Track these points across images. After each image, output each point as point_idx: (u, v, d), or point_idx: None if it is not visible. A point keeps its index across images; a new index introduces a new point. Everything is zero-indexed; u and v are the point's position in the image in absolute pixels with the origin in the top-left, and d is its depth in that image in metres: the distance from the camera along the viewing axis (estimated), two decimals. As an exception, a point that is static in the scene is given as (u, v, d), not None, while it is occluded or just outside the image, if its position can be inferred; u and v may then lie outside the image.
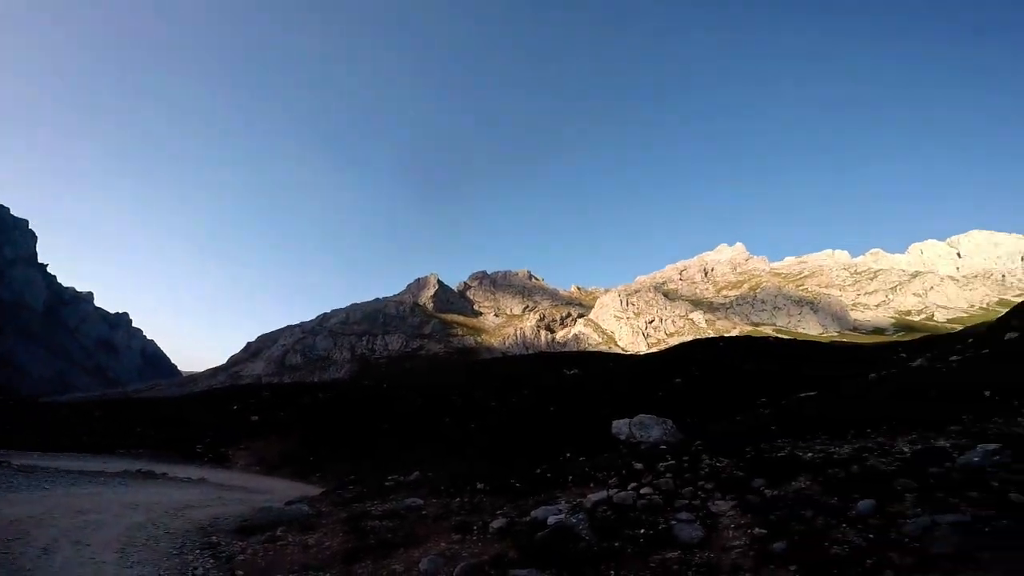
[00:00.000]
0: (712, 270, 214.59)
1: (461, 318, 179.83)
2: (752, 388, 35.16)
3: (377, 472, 16.44)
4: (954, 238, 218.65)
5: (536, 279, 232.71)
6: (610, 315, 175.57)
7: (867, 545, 5.18)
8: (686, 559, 5.46)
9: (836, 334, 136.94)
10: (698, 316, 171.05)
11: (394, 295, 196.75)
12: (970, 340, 39.48)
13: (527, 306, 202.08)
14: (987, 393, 10.02)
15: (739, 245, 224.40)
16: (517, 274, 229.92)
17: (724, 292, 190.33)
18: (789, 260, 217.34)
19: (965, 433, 7.82)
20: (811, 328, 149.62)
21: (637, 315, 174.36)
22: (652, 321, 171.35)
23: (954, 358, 28.78)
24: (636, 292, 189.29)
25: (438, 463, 15.53)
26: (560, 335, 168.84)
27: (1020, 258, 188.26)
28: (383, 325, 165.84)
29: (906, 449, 7.37)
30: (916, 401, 10.25)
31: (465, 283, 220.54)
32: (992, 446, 6.75)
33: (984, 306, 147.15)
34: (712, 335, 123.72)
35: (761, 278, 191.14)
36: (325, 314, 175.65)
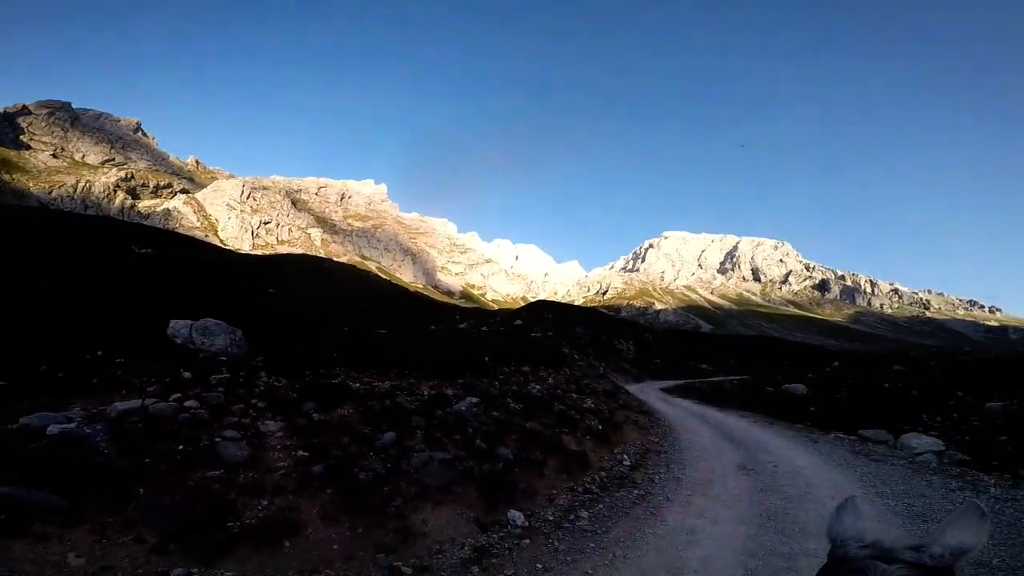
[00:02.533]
0: (350, 198, 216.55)
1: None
2: (342, 315, 37.63)
3: None
4: (520, 244, 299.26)
5: (146, 135, 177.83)
6: (223, 202, 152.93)
7: (386, 473, 6.44)
8: (228, 478, 5.43)
9: (422, 287, 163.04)
10: (317, 233, 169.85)
11: None
12: (497, 319, 54.56)
13: (112, 160, 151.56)
14: (486, 359, 14.20)
15: (383, 186, 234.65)
16: (119, 121, 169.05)
17: (351, 221, 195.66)
18: (415, 215, 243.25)
19: (460, 386, 10.86)
20: (406, 276, 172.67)
21: (255, 212, 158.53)
22: (269, 223, 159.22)
23: (484, 328, 39.10)
24: (265, 189, 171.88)
25: None
26: (146, 205, 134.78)
27: (544, 273, 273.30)
28: None
29: (426, 392, 9.65)
30: (450, 357, 13.52)
31: (24, 106, 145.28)
32: (475, 399, 9.68)
33: (515, 297, 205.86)
34: (323, 255, 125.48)
35: (387, 221, 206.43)
36: None
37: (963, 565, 1.06)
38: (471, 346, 17.30)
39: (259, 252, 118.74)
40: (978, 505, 1.14)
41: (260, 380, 8.23)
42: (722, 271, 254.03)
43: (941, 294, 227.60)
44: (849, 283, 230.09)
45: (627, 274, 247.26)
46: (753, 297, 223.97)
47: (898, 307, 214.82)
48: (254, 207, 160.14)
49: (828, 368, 34.73)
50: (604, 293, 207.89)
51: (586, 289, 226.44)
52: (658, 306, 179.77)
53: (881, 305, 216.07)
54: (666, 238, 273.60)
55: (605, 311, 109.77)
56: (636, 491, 8.12)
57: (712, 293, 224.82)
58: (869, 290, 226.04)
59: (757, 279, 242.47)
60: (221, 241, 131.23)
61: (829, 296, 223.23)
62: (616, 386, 22.36)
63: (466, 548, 5.68)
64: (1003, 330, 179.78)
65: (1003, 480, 8.27)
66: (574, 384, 16.36)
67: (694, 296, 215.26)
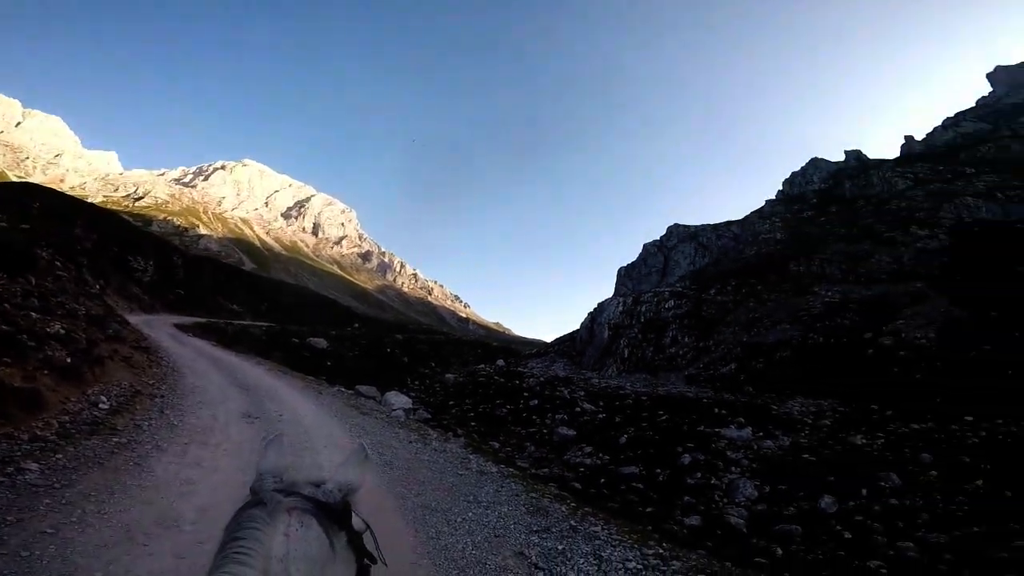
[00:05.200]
0: None
1: None
2: None
3: None
4: (35, 110, 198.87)
5: None
6: None
7: None
8: None
9: None
10: None
11: None
12: (36, 205, 35.76)
13: None
14: None
15: None
16: None
17: None
18: None
19: None
20: None
21: None
22: None
23: None
24: None
25: None
26: None
27: (57, 155, 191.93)
28: None
29: None
30: None
31: None
32: None
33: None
34: None
35: None
36: None
37: (357, 500, 1.25)
38: None
39: None
40: (363, 447, 1.33)
41: None
42: (287, 216, 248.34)
43: (441, 286, 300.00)
44: (387, 260, 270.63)
45: (180, 187, 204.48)
46: (305, 248, 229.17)
47: (412, 288, 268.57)
48: None
49: (350, 328, 39.33)
50: (139, 199, 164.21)
51: (114, 189, 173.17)
52: (203, 231, 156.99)
53: (402, 284, 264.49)
54: (244, 165, 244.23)
55: (129, 219, 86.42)
56: (116, 439, 6.87)
57: (268, 234, 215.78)
58: (398, 269, 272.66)
59: (315, 234, 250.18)
60: None
61: (368, 266, 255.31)
62: (111, 312, 17.82)
63: None
64: (467, 321, 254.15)
65: (443, 436, 11.24)
66: (39, 300, 11.91)
67: (247, 232, 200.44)
